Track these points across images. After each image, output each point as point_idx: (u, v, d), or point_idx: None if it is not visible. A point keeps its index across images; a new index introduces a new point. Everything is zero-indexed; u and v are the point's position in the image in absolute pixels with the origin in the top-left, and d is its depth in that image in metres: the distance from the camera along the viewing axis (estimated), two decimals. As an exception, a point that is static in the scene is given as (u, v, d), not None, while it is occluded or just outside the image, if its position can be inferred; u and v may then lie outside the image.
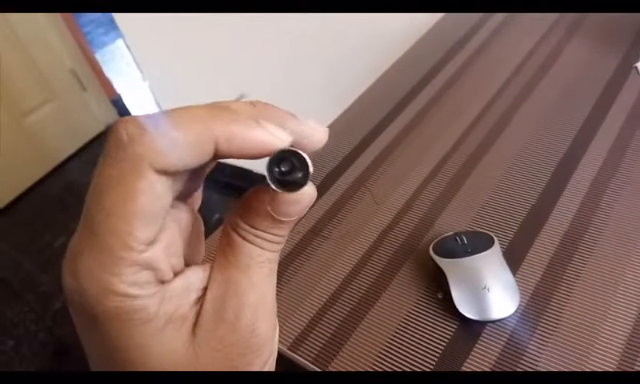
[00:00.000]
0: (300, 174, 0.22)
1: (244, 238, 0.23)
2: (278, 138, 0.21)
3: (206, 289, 0.24)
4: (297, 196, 0.22)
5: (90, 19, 2.29)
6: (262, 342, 0.24)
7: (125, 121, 0.20)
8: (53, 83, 2.45)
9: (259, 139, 0.21)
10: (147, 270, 0.20)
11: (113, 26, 1.99)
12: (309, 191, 0.23)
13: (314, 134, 0.24)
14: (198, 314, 0.23)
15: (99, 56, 2.48)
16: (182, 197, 0.24)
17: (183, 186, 0.23)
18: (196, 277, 0.23)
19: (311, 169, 0.22)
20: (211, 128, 0.20)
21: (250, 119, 0.21)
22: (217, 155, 0.21)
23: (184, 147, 0.20)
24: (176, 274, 0.23)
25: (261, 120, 0.21)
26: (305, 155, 0.22)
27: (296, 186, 0.22)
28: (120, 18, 1.90)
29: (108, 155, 0.20)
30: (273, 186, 0.22)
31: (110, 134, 0.20)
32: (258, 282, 0.24)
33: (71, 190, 2.39)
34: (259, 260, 0.24)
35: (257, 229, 0.23)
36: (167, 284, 0.22)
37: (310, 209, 0.69)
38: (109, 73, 2.53)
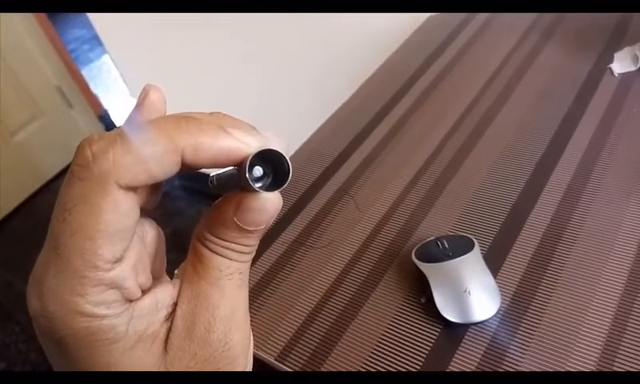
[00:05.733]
0: (270, 178, 0.22)
1: (212, 250, 0.23)
2: (246, 145, 0.21)
3: (175, 305, 0.23)
4: (262, 204, 0.22)
5: (75, 37, 2.29)
6: (236, 354, 0.24)
7: (90, 139, 0.20)
8: (39, 101, 2.44)
9: (227, 147, 0.21)
10: (114, 289, 0.20)
11: (98, 42, 1.99)
12: (274, 199, 0.22)
13: (272, 145, 0.23)
14: (169, 331, 0.23)
15: (86, 72, 2.48)
16: (144, 211, 0.24)
17: (147, 200, 0.22)
18: (165, 293, 0.23)
19: (290, 168, 0.22)
20: (177, 140, 0.20)
21: (216, 128, 0.21)
22: (185, 166, 0.21)
23: (150, 161, 0.20)
24: (144, 292, 0.22)
25: (227, 128, 0.21)
26: (282, 152, 0.21)
27: (275, 185, 0.22)
28: (104, 34, 1.90)
29: (73, 174, 0.19)
30: (255, 187, 0.21)
31: (76, 153, 0.20)
32: (229, 294, 0.23)
33: (60, 207, 2.37)
34: (228, 272, 0.23)
35: (224, 240, 0.23)
36: (136, 302, 0.22)
37: (295, 217, 0.69)
38: (96, 89, 2.53)
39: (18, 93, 2.34)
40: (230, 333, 0.23)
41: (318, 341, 0.53)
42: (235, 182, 0.23)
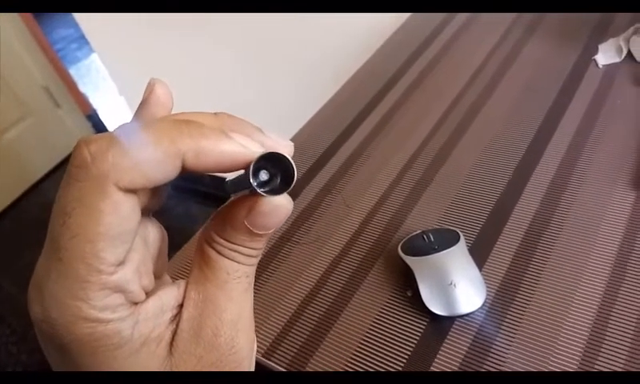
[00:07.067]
0: (278, 180, 0.22)
1: (220, 253, 0.23)
2: (248, 150, 0.21)
3: (180, 306, 0.23)
4: (273, 208, 0.22)
5: (62, 36, 2.27)
6: (241, 358, 0.24)
7: (88, 139, 0.19)
8: (26, 101, 2.42)
9: (229, 152, 0.20)
10: (118, 293, 0.20)
11: (85, 40, 1.98)
12: (286, 203, 0.22)
13: (278, 148, 0.23)
14: (175, 333, 0.22)
15: (74, 71, 2.46)
16: (147, 211, 0.23)
17: (149, 201, 0.22)
18: (170, 295, 0.23)
19: (295, 170, 0.22)
20: (179, 143, 0.19)
21: (218, 132, 0.20)
22: (185, 170, 0.20)
23: (150, 164, 0.19)
24: (147, 294, 0.22)
25: (230, 132, 0.21)
26: (287, 156, 0.21)
27: (282, 188, 0.22)
28: (91, 33, 1.89)
29: (71, 175, 0.19)
30: (260, 191, 0.21)
31: (73, 153, 0.19)
32: (236, 298, 0.23)
33: (49, 207, 2.33)
34: (236, 275, 0.23)
35: (233, 243, 0.23)
36: (140, 305, 0.21)
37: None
38: (84, 88, 2.51)
39: (5, 93, 2.32)
40: (237, 336, 0.23)
41: (305, 336, 0.53)
42: (246, 186, 0.22)
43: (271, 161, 0.21)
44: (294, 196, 0.69)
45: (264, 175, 0.21)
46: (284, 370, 0.51)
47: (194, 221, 1.93)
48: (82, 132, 2.68)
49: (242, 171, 0.22)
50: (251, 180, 0.21)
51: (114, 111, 2.28)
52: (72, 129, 2.64)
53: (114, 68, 2.00)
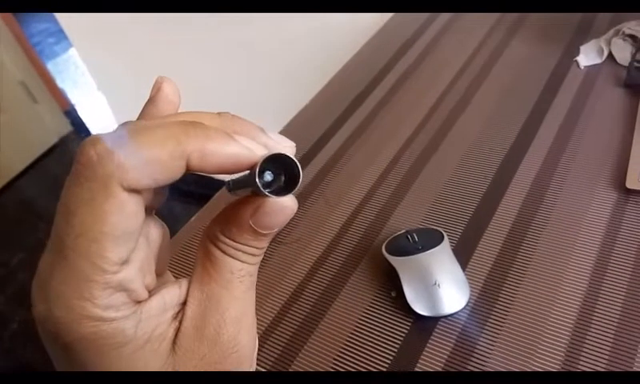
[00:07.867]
0: (282, 180, 0.22)
1: (225, 252, 0.23)
2: (252, 153, 0.21)
3: (182, 304, 0.23)
4: (279, 208, 0.22)
5: (39, 30, 2.23)
6: (243, 356, 0.24)
7: (94, 139, 0.19)
8: (2, 97, 2.37)
9: (234, 154, 0.21)
10: (121, 292, 0.20)
11: (64, 34, 1.94)
12: (291, 203, 0.23)
13: (280, 148, 0.23)
14: (177, 330, 0.23)
15: (51, 66, 2.42)
16: (150, 209, 0.23)
17: (152, 199, 0.22)
18: (172, 294, 0.23)
19: (301, 171, 0.22)
20: (184, 145, 0.20)
21: (223, 134, 0.21)
22: (189, 171, 0.20)
23: (155, 165, 0.19)
24: (150, 292, 0.22)
25: (233, 134, 0.21)
26: (293, 157, 0.22)
27: (287, 188, 0.22)
28: (69, 27, 1.85)
29: (76, 175, 0.19)
30: (266, 192, 0.21)
31: (79, 153, 0.19)
32: (239, 297, 0.24)
33: (26, 205, 2.32)
34: (240, 274, 0.24)
35: (238, 242, 0.23)
36: (143, 304, 0.21)
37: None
38: (62, 83, 2.47)
39: (-20, 88, 2.27)
40: (240, 335, 0.24)
41: (288, 337, 0.52)
42: (249, 186, 0.23)
43: (276, 162, 0.21)
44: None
45: (268, 176, 0.22)
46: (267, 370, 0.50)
47: (176, 219, 1.91)
48: (60, 128, 2.64)
49: (244, 173, 0.22)
50: (257, 181, 0.21)
51: (93, 107, 2.25)
52: (50, 125, 2.60)
53: (93, 63, 1.97)
